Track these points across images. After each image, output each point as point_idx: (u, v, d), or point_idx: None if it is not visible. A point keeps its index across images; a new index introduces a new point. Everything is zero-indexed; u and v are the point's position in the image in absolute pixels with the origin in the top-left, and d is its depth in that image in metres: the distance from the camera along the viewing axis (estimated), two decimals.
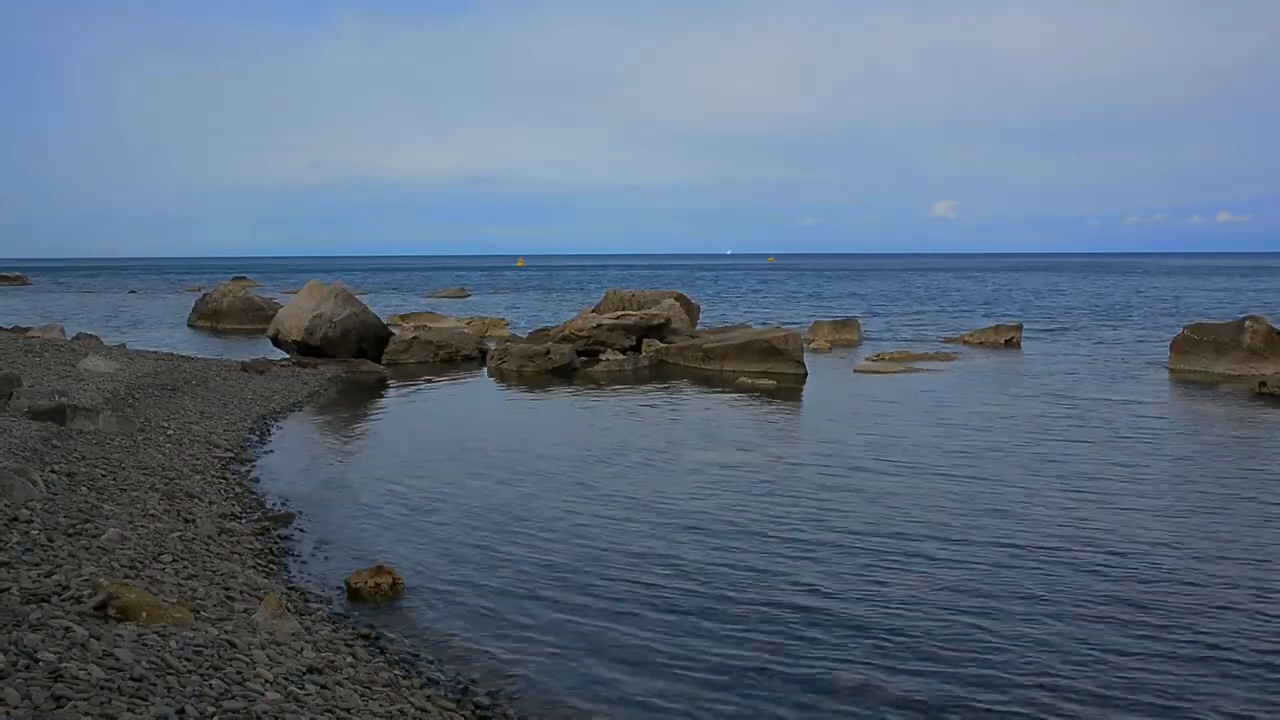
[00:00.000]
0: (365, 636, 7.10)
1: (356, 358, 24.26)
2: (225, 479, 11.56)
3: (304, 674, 5.56)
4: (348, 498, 11.36)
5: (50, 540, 6.90)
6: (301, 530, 9.93)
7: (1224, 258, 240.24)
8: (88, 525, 7.62)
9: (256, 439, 14.58)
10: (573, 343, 24.78)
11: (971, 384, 21.06)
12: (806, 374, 22.15)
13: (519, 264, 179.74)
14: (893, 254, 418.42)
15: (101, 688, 4.41)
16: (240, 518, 9.92)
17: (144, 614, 5.54)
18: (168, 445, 12.55)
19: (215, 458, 12.62)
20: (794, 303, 55.31)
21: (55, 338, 23.89)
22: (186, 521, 8.92)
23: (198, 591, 6.78)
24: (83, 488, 8.98)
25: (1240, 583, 8.22)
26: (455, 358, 25.48)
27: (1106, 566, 8.65)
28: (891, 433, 15.17)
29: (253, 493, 11.31)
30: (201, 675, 4.94)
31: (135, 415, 14.08)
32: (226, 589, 7.09)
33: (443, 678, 6.59)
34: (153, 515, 8.74)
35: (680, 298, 28.85)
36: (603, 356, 24.37)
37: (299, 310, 25.04)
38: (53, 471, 9.27)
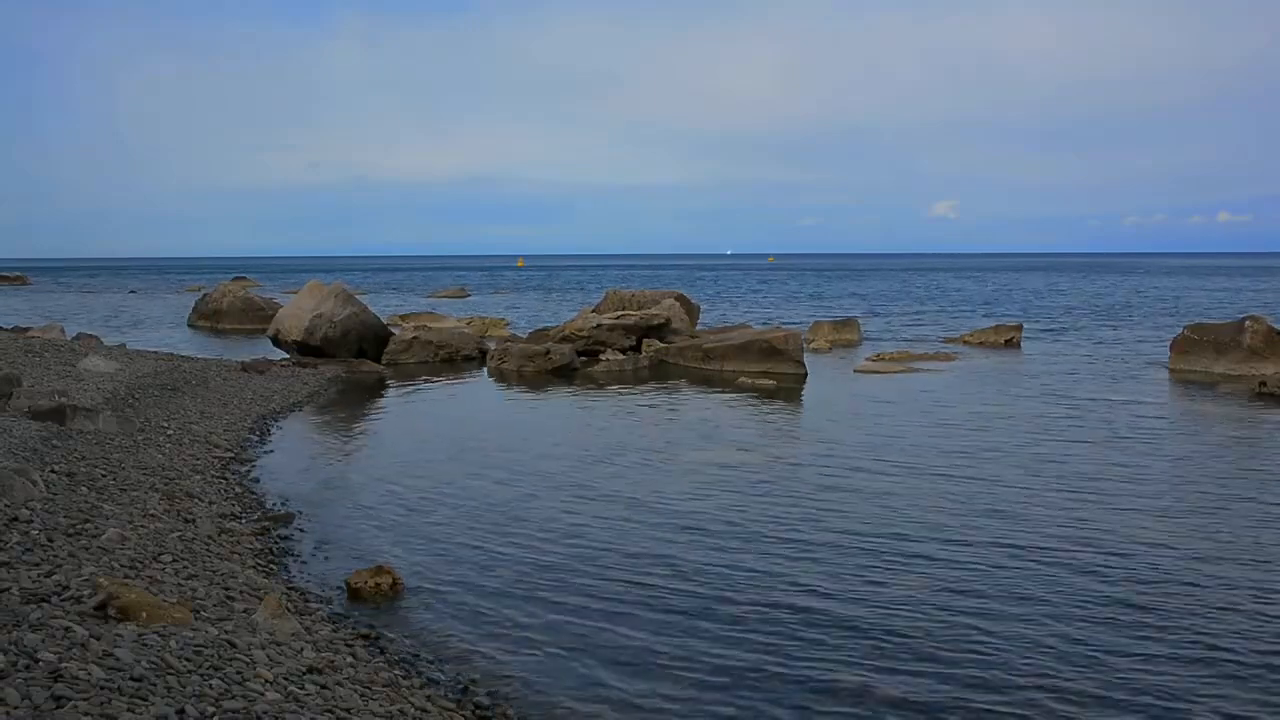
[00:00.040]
0: (365, 636, 7.10)
1: (356, 358, 24.27)
2: (225, 479, 11.57)
3: (304, 674, 5.57)
4: (348, 498, 11.37)
5: (50, 540, 6.90)
6: (301, 530, 9.94)
7: (1224, 258, 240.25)
8: (88, 525, 7.63)
9: (256, 439, 14.58)
10: (573, 343, 24.78)
11: (971, 384, 21.06)
12: (806, 374, 22.15)
13: (519, 264, 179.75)
14: (893, 254, 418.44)
15: (101, 688, 4.41)
16: (240, 518, 9.93)
17: (144, 614, 5.54)
18: (168, 445, 12.56)
19: (215, 458, 12.63)
20: (794, 303, 55.32)
21: (55, 338, 23.90)
22: (186, 521, 8.93)
23: (198, 591, 6.78)
24: (83, 488, 8.98)
25: (1240, 584, 8.23)
26: (455, 358, 25.48)
27: (1106, 567, 8.65)
28: (891, 433, 15.17)
29: (253, 493, 11.31)
30: (201, 675, 4.94)
31: (135, 415, 14.08)
32: (226, 589, 7.10)
33: (443, 678, 6.59)
34: (153, 515, 8.74)
35: (680, 298, 28.86)
36: (603, 356, 24.37)
37: (299, 310, 25.05)
38: (53, 471, 9.27)
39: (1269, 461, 13.13)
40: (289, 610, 6.88)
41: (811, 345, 28.36)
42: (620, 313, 26.48)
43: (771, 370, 22.35)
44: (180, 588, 6.75)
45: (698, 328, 28.95)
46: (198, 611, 6.16)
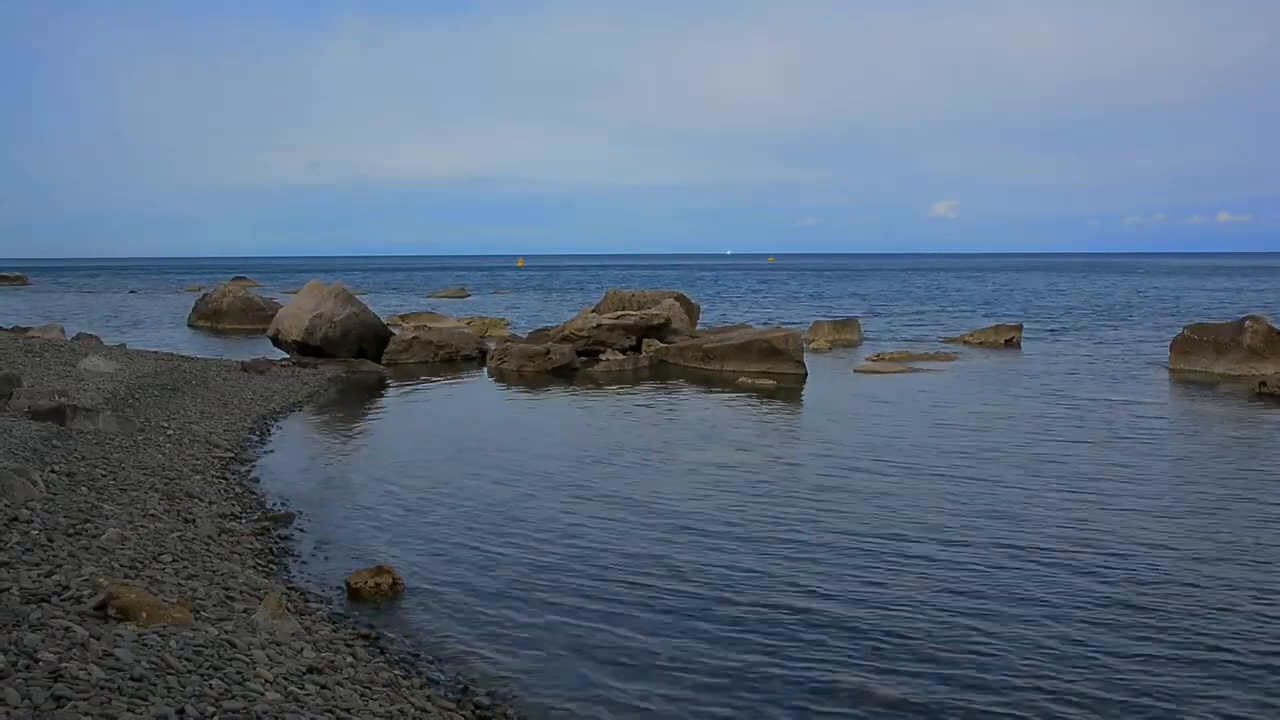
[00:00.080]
0: (365, 636, 7.10)
1: (356, 358, 24.27)
2: (225, 479, 11.57)
3: (304, 674, 5.57)
4: (348, 498, 11.37)
5: (50, 540, 6.90)
6: (301, 530, 9.94)
7: (1224, 258, 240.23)
8: (88, 525, 7.63)
9: (256, 439, 14.59)
10: (573, 343, 24.79)
11: (971, 384, 21.06)
12: (806, 374, 22.15)
13: (519, 264, 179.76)
14: (893, 254, 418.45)
15: (101, 688, 4.41)
16: (240, 518, 9.93)
17: (144, 614, 5.54)
18: (168, 445, 12.56)
19: (215, 458, 12.63)
20: (794, 303, 55.32)
21: (55, 338, 23.90)
22: (186, 521, 8.93)
23: (198, 591, 6.78)
24: (83, 488, 8.98)
25: (1240, 584, 8.23)
26: (455, 358, 25.49)
27: (1105, 568, 8.65)
28: (891, 433, 15.17)
29: (253, 493, 11.32)
30: (201, 675, 4.94)
31: (135, 415, 14.09)
32: (226, 589, 7.10)
33: (443, 678, 6.60)
34: (153, 515, 8.74)
35: (680, 298, 28.86)
36: (603, 356, 24.38)
37: (299, 310, 25.05)
38: (53, 471, 9.27)
39: (1269, 461, 13.13)
40: (289, 610, 6.88)
41: (811, 345, 28.36)
42: (620, 313, 26.49)
43: (771, 370, 22.36)
44: (180, 588, 6.76)
45: (698, 328, 28.96)
46: (198, 611, 6.17)
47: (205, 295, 42.16)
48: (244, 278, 71.93)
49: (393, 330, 27.54)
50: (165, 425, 13.85)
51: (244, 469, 12.52)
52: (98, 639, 5.01)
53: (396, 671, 6.47)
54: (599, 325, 25.31)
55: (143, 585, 6.37)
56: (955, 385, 20.92)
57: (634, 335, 25.42)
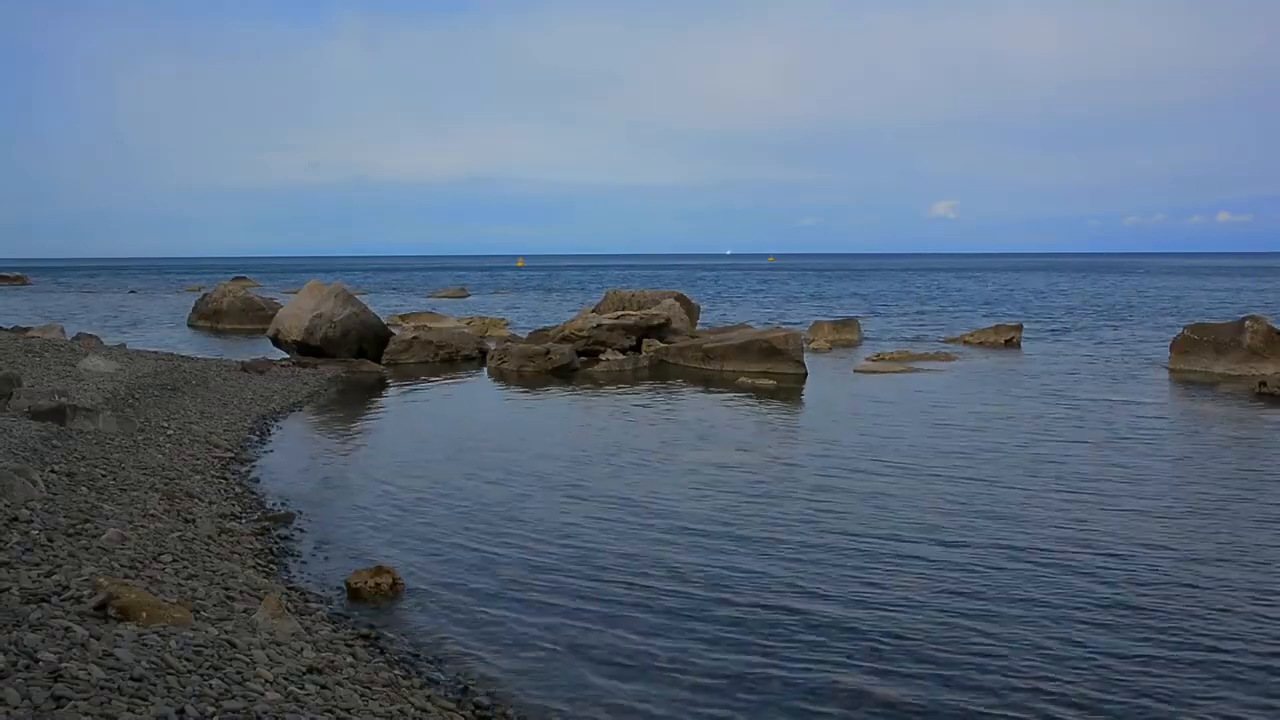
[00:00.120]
0: (365, 636, 7.10)
1: (356, 358, 24.27)
2: (225, 479, 11.57)
3: (304, 674, 5.57)
4: (348, 498, 11.37)
5: (50, 540, 6.91)
6: (301, 530, 9.94)
7: (1224, 258, 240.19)
8: (88, 525, 7.63)
9: (256, 439, 14.59)
10: (573, 343, 24.79)
11: (971, 384, 21.07)
12: (806, 374, 22.16)
13: (519, 264, 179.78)
14: (893, 254, 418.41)
15: (101, 688, 4.41)
16: (240, 518, 9.93)
17: (144, 614, 5.54)
18: (168, 445, 12.56)
19: (215, 458, 12.63)
20: (794, 303, 55.32)
21: (55, 338, 23.90)
22: (186, 521, 8.93)
23: (198, 591, 6.79)
24: (83, 488, 8.99)
25: (1240, 585, 8.22)
26: (455, 358, 25.49)
27: (1105, 569, 8.64)
28: (891, 433, 15.17)
29: (253, 493, 11.32)
30: (201, 675, 4.95)
31: (135, 415, 14.09)
32: (226, 589, 7.10)
33: (443, 678, 6.60)
34: (153, 515, 8.74)
35: (680, 298, 28.86)
36: (603, 356, 24.38)
37: (299, 310, 25.06)
38: (53, 471, 9.27)
39: (1269, 461, 13.14)
40: (289, 610, 6.88)
41: (811, 345, 28.37)
42: (620, 313, 26.49)
43: (771, 370, 22.36)
44: (180, 588, 6.76)
45: (698, 328, 28.96)
46: (198, 611, 6.17)
47: (205, 295, 42.17)
48: (244, 278, 71.94)
49: (393, 330, 27.54)
50: (165, 425, 13.85)
51: (244, 469, 12.53)
52: (98, 639, 5.01)
53: (396, 671, 6.47)
54: (599, 325, 25.31)
55: (143, 585, 6.37)
56: (955, 385, 20.92)
57: (634, 335, 25.42)
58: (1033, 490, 11.44)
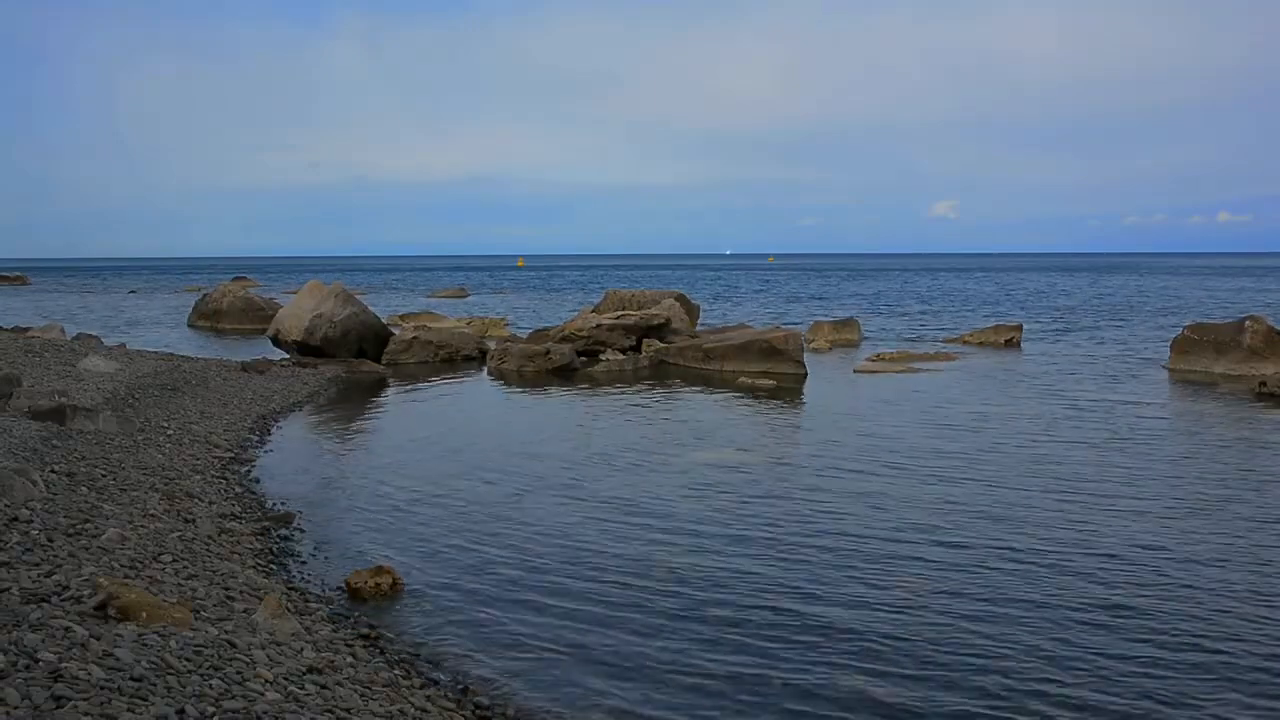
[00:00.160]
0: (365, 636, 7.10)
1: (356, 358, 24.27)
2: (225, 479, 11.57)
3: (304, 674, 5.57)
4: (348, 498, 11.37)
5: (50, 540, 6.90)
6: (301, 530, 9.94)
7: (1224, 258, 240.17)
8: (88, 525, 7.63)
9: (256, 439, 14.59)
10: (573, 343, 24.79)
11: (971, 384, 21.06)
12: (806, 374, 22.15)
13: (519, 264, 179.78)
14: (893, 254, 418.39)
15: (101, 688, 4.41)
16: (240, 518, 9.93)
17: (144, 614, 5.54)
18: (168, 445, 12.56)
19: (215, 458, 12.63)
20: (794, 303, 55.31)
21: (55, 338, 23.89)
22: (186, 521, 8.93)
23: (198, 591, 6.79)
24: (83, 488, 8.98)
25: (1240, 586, 8.22)
26: (455, 358, 25.49)
27: (1105, 570, 8.64)
28: (890, 434, 15.17)
29: (253, 493, 11.32)
30: (201, 675, 4.95)
31: (135, 415, 14.09)
32: (226, 589, 7.10)
33: (443, 678, 6.60)
34: (153, 515, 8.74)
35: (680, 298, 28.88)
36: (603, 356, 24.38)
37: (299, 310, 25.05)
38: (53, 471, 9.27)
39: (1269, 462, 13.13)
40: (289, 610, 6.88)
41: (811, 345, 28.37)
42: (620, 313, 26.49)
43: (771, 370, 22.36)
44: (180, 588, 6.76)
45: (698, 328, 28.96)
46: (198, 611, 6.17)
47: (205, 295, 42.17)
48: (244, 278, 72.00)
49: (393, 330, 27.54)
50: (165, 425, 13.85)
51: (244, 469, 12.52)
52: (98, 639, 5.01)
53: (396, 671, 6.47)
54: (599, 325, 25.31)
55: (143, 585, 6.37)
56: (955, 385, 20.92)
57: (634, 335, 25.42)
58: (1032, 491, 11.43)
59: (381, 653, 6.85)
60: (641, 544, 9.51)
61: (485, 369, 24.25)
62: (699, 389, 20.74)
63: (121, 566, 6.82)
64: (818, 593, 8.15)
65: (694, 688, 6.48)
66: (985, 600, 7.94)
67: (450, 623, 7.59)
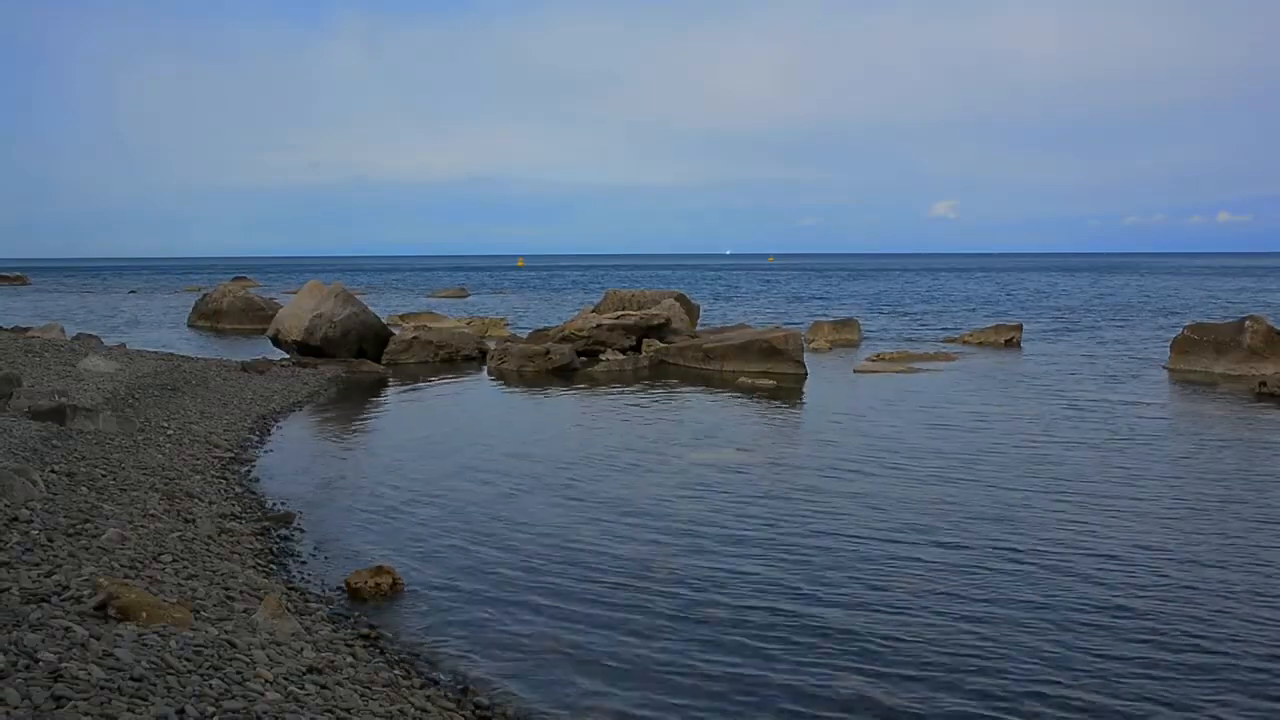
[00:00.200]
0: (365, 636, 7.10)
1: (356, 358, 24.27)
2: (225, 479, 11.57)
3: (304, 674, 5.57)
4: (348, 498, 11.37)
5: (50, 540, 6.90)
6: (301, 530, 9.94)
7: (1224, 258, 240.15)
8: (88, 525, 7.63)
9: (256, 439, 14.59)
10: (573, 343, 24.79)
11: (971, 384, 21.06)
12: (806, 374, 22.15)
13: (519, 264, 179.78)
14: (893, 254, 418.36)
15: (101, 688, 4.41)
16: (240, 518, 9.93)
17: (144, 614, 5.54)
18: (168, 445, 12.56)
19: (215, 458, 12.63)
20: (795, 303, 55.31)
21: (55, 338, 23.90)
22: (186, 521, 8.93)
23: (198, 591, 6.79)
24: (83, 488, 8.98)
25: (1240, 587, 8.21)
26: (455, 358, 25.49)
27: (1105, 571, 8.63)
28: (890, 434, 15.17)
29: (253, 493, 11.32)
30: (201, 675, 4.95)
31: (135, 415, 14.09)
32: (226, 589, 7.10)
33: (443, 678, 6.60)
34: (153, 515, 8.74)
35: (680, 298, 28.88)
36: (603, 356, 24.38)
37: (299, 310, 25.06)
38: (53, 471, 9.27)
39: (1269, 462, 13.13)
40: (289, 610, 6.88)
41: (811, 345, 28.37)
42: (620, 313, 26.49)
43: (771, 370, 22.36)
44: (180, 588, 6.76)
45: (698, 328, 28.96)
46: (198, 611, 6.17)
47: (205, 295, 42.17)
48: (244, 278, 72.02)
49: (393, 330, 27.55)
50: (165, 425, 13.85)
51: (244, 469, 12.53)
52: (98, 639, 5.01)
53: (396, 671, 6.47)
54: (599, 325, 25.31)
55: (143, 585, 6.37)
56: (955, 385, 20.92)
57: (634, 335, 25.42)
58: (1032, 491, 11.43)
59: (381, 653, 6.85)
60: (641, 544, 9.51)
61: (485, 369, 24.25)
62: (699, 389, 20.74)
63: (121, 566, 6.82)
64: (817, 593, 8.14)
65: (693, 689, 6.48)
66: (985, 601, 7.94)
67: (450, 623, 7.59)
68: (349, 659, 6.34)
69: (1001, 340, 29.87)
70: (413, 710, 5.72)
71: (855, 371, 23.72)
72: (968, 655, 6.92)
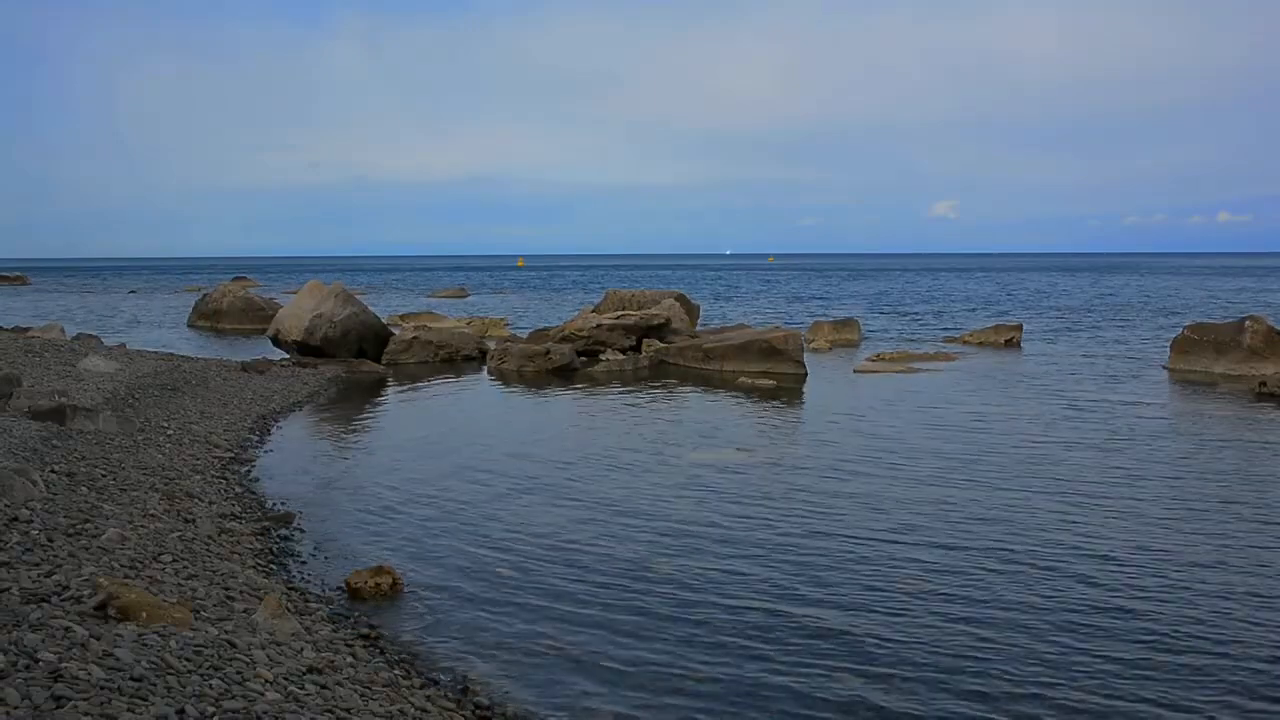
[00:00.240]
0: (365, 636, 7.11)
1: (356, 358, 24.28)
2: (225, 479, 11.57)
3: (304, 674, 5.57)
4: (347, 498, 11.38)
5: (50, 540, 6.91)
6: (301, 530, 9.94)
7: (1224, 258, 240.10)
8: (88, 525, 7.63)
9: (256, 439, 14.59)
10: (573, 343, 24.79)
11: (971, 385, 21.06)
12: (806, 374, 22.16)
13: (519, 264, 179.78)
14: (893, 254, 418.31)
15: (101, 688, 4.42)
16: (240, 518, 9.93)
17: (144, 614, 5.54)
18: (168, 445, 12.56)
19: (215, 458, 12.63)
20: (795, 303, 55.31)
21: (55, 338, 23.90)
22: (186, 521, 8.93)
23: (198, 591, 6.79)
24: (83, 488, 8.99)
25: (1240, 588, 8.20)
26: (455, 358, 25.50)
27: (1105, 572, 8.63)
28: (890, 434, 15.17)
29: (253, 493, 11.32)
30: (201, 675, 4.95)
31: (135, 415, 14.09)
32: (226, 589, 7.10)
33: (443, 678, 6.60)
34: (153, 515, 8.75)
35: (680, 298, 28.88)
36: (603, 356, 24.38)
37: (299, 310, 25.06)
38: (53, 471, 9.28)
39: (1269, 462, 13.13)
40: (289, 610, 6.88)
41: (811, 345, 28.37)
42: (620, 313, 26.49)
43: (771, 370, 22.36)
44: (180, 588, 6.76)
45: (698, 328, 28.96)
46: (198, 611, 6.17)
47: (205, 295, 42.18)
48: (244, 278, 72.03)
49: (393, 330, 27.55)
50: (165, 425, 13.85)
51: (244, 469, 12.53)
52: (98, 639, 5.01)
53: (396, 671, 6.48)
54: (599, 325, 25.32)
55: (143, 585, 6.37)
56: (955, 385, 20.92)
57: (634, 335, 25.43)
58: (1032, 492, 11.43)
59: (381, 653, 6.85)
60: (640, 545, 9.51)
61: (485, 369, 24.26)
62: (699, 389, 20.74)
63: (121, 566, 6.82)
64: (816, 595, 8.14)
65: (692, 690, 6.48)
66: (983, 602, 7.93)
67: (450, 623, 7.59)
68: (349, 659, 6.34)
69: (1001, 340, 29.88)
70: (413, 710, 5.72)
71: (855, 372, 23.73)
72: (966, 656, 6.91)
